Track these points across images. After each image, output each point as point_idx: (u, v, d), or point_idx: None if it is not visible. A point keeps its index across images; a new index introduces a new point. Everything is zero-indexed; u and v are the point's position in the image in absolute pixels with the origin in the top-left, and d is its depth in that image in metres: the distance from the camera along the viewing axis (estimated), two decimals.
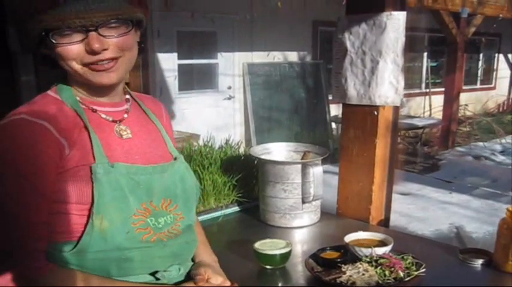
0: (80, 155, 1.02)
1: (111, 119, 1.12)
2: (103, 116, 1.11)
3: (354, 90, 1.93)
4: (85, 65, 1.03)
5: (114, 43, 1.03)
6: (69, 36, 1.00)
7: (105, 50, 1.02)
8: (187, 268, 1.21)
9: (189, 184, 1.22)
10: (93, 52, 1.00)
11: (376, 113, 1.90)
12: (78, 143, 1.03)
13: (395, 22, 1.80)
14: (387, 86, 1.85)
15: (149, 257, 1.10)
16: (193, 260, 1.27)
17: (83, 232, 1.01)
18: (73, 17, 0.97)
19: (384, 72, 1.84)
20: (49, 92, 1.10)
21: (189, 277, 1.20)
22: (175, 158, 1.21)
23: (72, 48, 1.01)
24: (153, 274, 1.12)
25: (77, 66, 1.03)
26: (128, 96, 1.22)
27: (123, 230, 1.04)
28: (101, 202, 1.01)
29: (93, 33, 1.00)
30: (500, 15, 8.96)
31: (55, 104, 1.07)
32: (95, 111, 1.10)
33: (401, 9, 1.84)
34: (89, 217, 1.01)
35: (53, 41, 1.00)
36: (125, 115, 1.16)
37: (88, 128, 1.05)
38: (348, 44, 1.92)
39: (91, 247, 1.02)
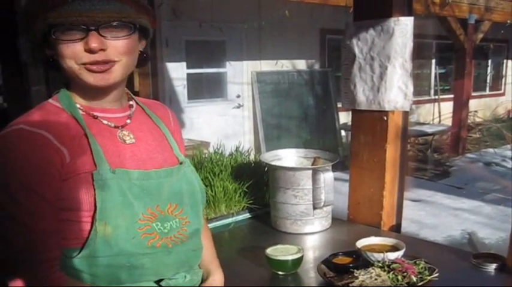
0: (81, 162, 1.03)
1: (113, 125, 1.12)
2: (104, 122, 1.11)
3: (363, 96, 1.94)
4: (82, 64, 1.03)
5: (113, 45, 1.04)
6: (70, 34, 1.01)
7: (102, 50, 1.02)
8: (194, 275, 1.21)
9: (196, 188, 1.22)
10: (90, 51, 1.01)
11: (385, 118, 1.90)
12: (79, 151, 1.03)
13: (403, 27, 1.80)
14: (396, 91, 1.86)
15: (158, 264, 1.10)
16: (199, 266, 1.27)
17: (87, 239, 1.02)
18: (77, 14, 0.99)
19: (392, 77, 1.85)
20: (50, 100, 1.11)
21: None
22: (181, 163, 1.21)
23: (71, 46, 1.02)
24: (158, 282, 1.12)
25: (74, 65, 1.03)
26: (131, 102, 1.22)
27: (128, 236, 1.04)
28: (104, 208, 1.01)
29: (93, 33, 1.01)
30: (508, 21, 8.94)
31: (55, 112, 1.07)
32: (95, 117, 1.10)
33: (409, 14, 1.84)
34: (92, 223, 1.01)
35: (54, 37, 1.01)
36: (128, 121, 1.16)
37: (87, 135, 1.05)
38: (356, 50, 1.93)
39: (96, 253, 1.02)
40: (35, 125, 1.02)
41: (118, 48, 1.05)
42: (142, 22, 1.09)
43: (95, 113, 1.11)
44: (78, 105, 1.10)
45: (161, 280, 1.12)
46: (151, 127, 1.22)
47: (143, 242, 1.06)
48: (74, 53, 1.02)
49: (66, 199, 1.02)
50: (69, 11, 0.99)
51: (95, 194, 1.01)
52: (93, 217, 1.01)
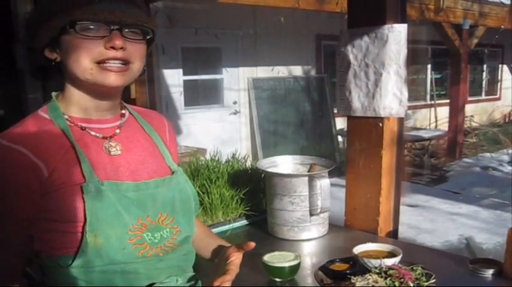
0: (67, 175, 1.03)
1: (101, 136, 1.12)
2: (92, 133, 1.11)
3: (358, 103, 1.94)
4: (98, 62, 1.04)
5: (131, 47, 1.06)
6: (92, 31, 1.02)
7: (123, 49, 1.04)
8: (186, 278, 1.21)
9: (189, 196, 1.22)
10: (113, 48, 1.03)
11: (381, 124, 1.91)
12: (64, 163, 1.04)
13: (397, 34, 1.82)
14: (391, 98, 1.86)
15: (151, 269, 1.11)
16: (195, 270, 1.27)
17: (78, 248, 1.02)
18: (106, 12, 1.01)
19: (387, 84, 1.86)
20: (39, 111, 1.11)
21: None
22: (173, 172, 1.21)
23: (91, 43, 1.03)
24: (150, 285, 1.12)
25: (88, 64, 1.04)
26: (123, 111, 1.22)
27: (118, 247, 1.05)
28: (94, 220, 1.02)
29: (116, 32, 1.03)
30: (502, 27, 9.00)
31: (42, 124, 1.08)
32: (83, 129, 1.11)
33: (403, 21, 1.85)
34: (83, 234, 1.02)
35: (77, 32, 1.02)
36: (117, 131, 1.16)
37: (75, 148, 1.06)
38: (351, 57, 1.94)
39: (88, 263, 1.03)
40: (14, 139, 1.02)
41: (135, 52, 1.07)
42: (155, 32, 1.12)
43: (83, 125, 1.11)
44: (66, 117, 1.10)
45: (153, 283, 1.12)
46: (142, 137, 1.22)
47: (134, 252, 1.07)
48: (93, 49, 1.03)
49: (54, 210, 1.02)
50: (95, 9, 1.01)
51: (84, 206, 1.02)
52: (83, 228, 1.02)
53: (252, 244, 1.21)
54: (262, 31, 7.03)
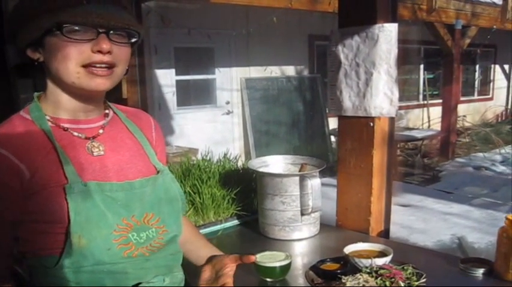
0: (49, 176, 1.02)
1: (83, 136, 1.11)
2: (75, 133, 1.10)
3: (349, 102, 1.94)
4: (84, 66, 1.03)
5: (117, 50, 1.05)
6: (79, 34, 1.01)
7: (109, 53, 1.03)
8: (174, 278, 1.20)
9: (175, 196, 1.21)
10: (99, 51, 1.02)
11: (372, 124, 1.91)
12: (47, 165, 1.03)
13: (388, 34, 1.82)
14: (382, 97, 1.87)
15: (138, 269, 1.10)
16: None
17: (63, 249, 1.01)
18: (94, 15, 1.00)
19: (378, 83, 1.86)
20: (21, 112, 1.10)
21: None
22: (158, 172, 1.20)
23: (78, 46, 1.01)
24: (136, 285, 1.11)
25: (74, 68, 1.03)
26: (107, 111, 1.21)
27: (103, 247, 1.04)
28: (78, 221, 1.01)
29: (103, 35, 1.02)
30: (494, 27, 9.06)
31: (23, 125, 1.07)
32: (66, 129, 1.10)
33: (393, 21, 1.85)
34: (67, 235, 1.01)
35: (63, 35, 1.00)
36: (100, 131, 1.15)
37: (56, 149, 1.05)
38: (342, 57, 1.94)
39: (74, 264, 1.02)
40: None
41: (120, 55, 1.07)
42: (141, 35, 1.12)
43: (65, 125, 1.10)
44: (48, 117, 1.09)
45: (140, 283, 1.11)
46: (126, 137, 1.21)
47: (119, 253, 1.06)
48: (80, 53, 1.02)
49: (37, 212, 1.02)
50: (83, 12, 1.00)
51: (67, 207, 1.01)
52: (67, 229, 1.01)
53: (252, 258, 1.22)
54: (255, 31, 7.03)
